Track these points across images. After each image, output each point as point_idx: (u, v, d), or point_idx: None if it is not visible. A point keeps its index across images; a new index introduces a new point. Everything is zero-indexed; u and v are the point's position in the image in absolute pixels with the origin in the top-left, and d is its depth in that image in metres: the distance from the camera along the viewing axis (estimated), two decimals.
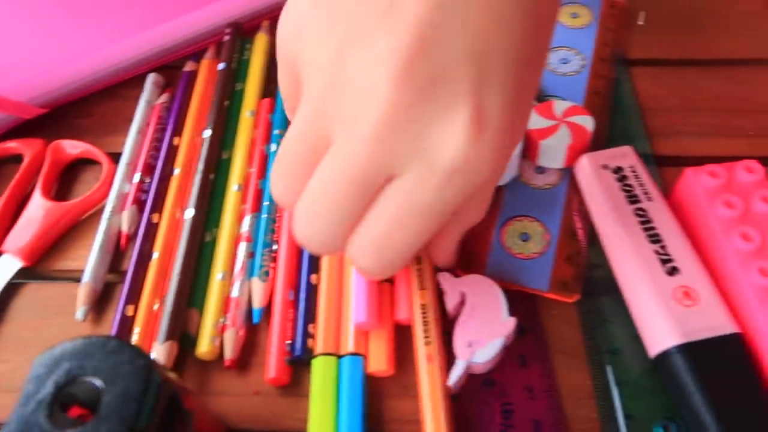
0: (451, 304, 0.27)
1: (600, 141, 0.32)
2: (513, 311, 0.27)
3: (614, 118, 0.34)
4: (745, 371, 0.23)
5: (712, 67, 0.35)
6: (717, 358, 0.23)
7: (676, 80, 0.35)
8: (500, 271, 0.28)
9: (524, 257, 0.29)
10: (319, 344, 0.26)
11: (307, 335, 0.26)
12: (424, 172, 0.19)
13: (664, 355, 0.24)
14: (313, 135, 0.20)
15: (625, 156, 0.29)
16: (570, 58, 0.36)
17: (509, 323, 0.25)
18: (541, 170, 0.31)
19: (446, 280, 0.27)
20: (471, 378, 0.26)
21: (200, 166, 0.31)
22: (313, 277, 0.28)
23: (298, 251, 0.29)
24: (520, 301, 0.28)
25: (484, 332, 0.25)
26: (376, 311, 0.26)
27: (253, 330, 0.28)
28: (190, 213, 0.29)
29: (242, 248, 0.29)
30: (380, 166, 0.19)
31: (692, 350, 0.24)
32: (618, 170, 0.29)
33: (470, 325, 0.26)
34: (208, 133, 0.32)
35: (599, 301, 0.28)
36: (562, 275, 0.28)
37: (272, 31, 0.38)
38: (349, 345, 0.26)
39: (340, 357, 0.26)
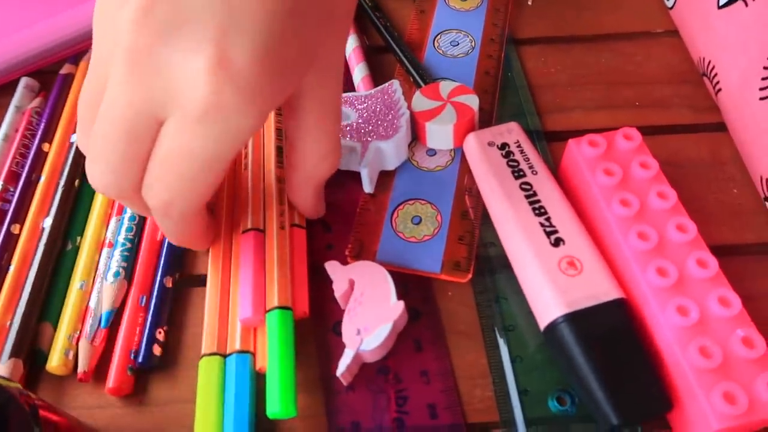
0: (339, 291, 0.26)
1: (491, 120, 0.32)
2: (407, 296, 0.27)
3: (505, 97, 0.34)
4: (630, 335, 0.23)
5: (598, 43, 0.36)
6: (602, 324, 0.23)
7: (563, 57, 0.35)
8: (392, 256, 0.28)
9: (416, 240, 0.28)
10: (205, 344, 0.25)
11: (153, 342, 0.25)
12: (180, 117, 0.19)
13: (552, 326, 0.24)
14: (95, 80, 0.21)
15: (510, 132, 0.29)
16: (460, 40, 0.35)
17: (397, 308, 0.25)
18: (432, 153, 0.31)
19: (334, 267, 0.26)
20: (366, 366, 0.25)
21: (66, 172, 0.29)
22: (168, 279, 0.27)
23: (156, 253, 0.28)
24: (415, 285, 0.27)
25: (372, 319, 0.25)
26: (263, 306, 0.25)
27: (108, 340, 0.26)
28: (48, 222, 0.27)
29: (104, 254, 0.27)
30: (141, 109, 0.20)
31: (578, 319, 0.23)
32: (504, 146, 0.29)
33: (358, 312, 0.25)
34: (75, 138, 0.30)
35: (493, 278, 0.27)
36: (455, 256, 0.28)
37: None
38: (236, 343, 0.25)
39: (226, 356, 0.25)
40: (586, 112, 0.33)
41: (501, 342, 0.26)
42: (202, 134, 0.19)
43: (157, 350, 0.26)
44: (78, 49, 0.35)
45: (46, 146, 0.31)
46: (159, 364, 0.26)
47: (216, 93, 0.19)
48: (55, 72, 0.35)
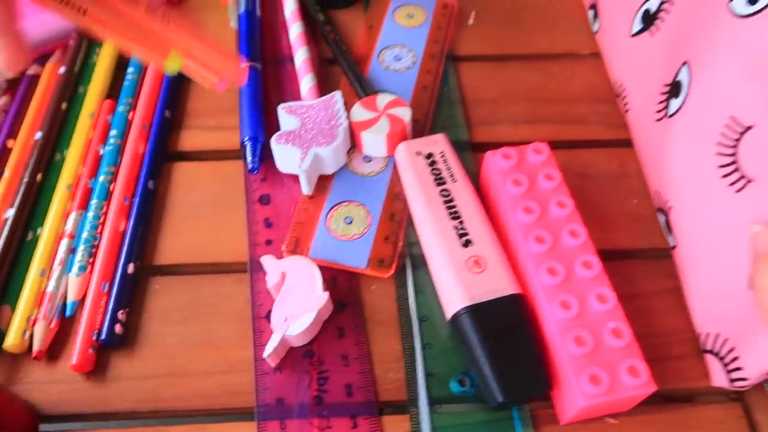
0: (271, 282, 0.29)
1: (424, 130, 0.35)
2: (335, 288, 0.30)
3: (439, 109, 0.37)
4: (521, 326, 0.27)
5: (529, 62, 0.39)
6: (498, 316, 0.27)
7: (497, 74, 0.39)
8: (324, 253, 0.31)
9: (347, 239, 0.31)
10: None
11: (115, 322, 0.28)
12: None
13: (456, 317, 0.27)
14: None
15: (437, 143, 0.32)
16: (403, 55, 0.38)
17: (321, 298, 0.28)
18: (368, 159, 0.34)
19: (268, 260, 0.29)
20: (293, 350, 0.28)
21: (30, 167, 0.31)
22: (131, 266, 0.30)
23: (118, 245, 0.30)
24: (343, 279, 0.31)
25: (299, 307, 0.28)
26: None
27: (70, 322, 0.29)
28: (11, 213, 0.30)
29: (63, 244, 0.30)
30: None
31: (477, 311, 0.27)
32: (430, 156, 0.32)
33: (287, 301, 0.28)
34: (39, 135, 0.33)
35: (413, 274, 0.31)
36: (380, 254, 0.31)
37: None
38: None
39: None
40: (511, 126, 0.36)
41: (415, 330, 0.29)
42: None
43: (118, 329, 0.28)
44: (44, 52, 0.38)
45: (10, 143, 0.33)
46: (120, 343, 0.29)
47: None
48: (22, 72, 0.37)
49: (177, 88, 0.37)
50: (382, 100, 0.34)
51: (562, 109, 0.37)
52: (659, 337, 0.29)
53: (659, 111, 0.32)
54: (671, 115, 0.31)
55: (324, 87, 0.37)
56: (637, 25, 0.35)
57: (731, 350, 0.27)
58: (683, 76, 0.30)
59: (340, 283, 0.30)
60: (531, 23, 0.41)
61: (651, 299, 0.30)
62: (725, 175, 0.27)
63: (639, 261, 0.32)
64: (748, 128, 0.26)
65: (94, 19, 0.25)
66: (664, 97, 0.32)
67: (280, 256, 0.30)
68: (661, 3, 0.33)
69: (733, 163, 0.27)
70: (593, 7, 0.40)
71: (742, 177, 0.26)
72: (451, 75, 0.38)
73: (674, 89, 0.31)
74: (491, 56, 0.40)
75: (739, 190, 0.26)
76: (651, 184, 0.33)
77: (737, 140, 0.26)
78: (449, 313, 0.27)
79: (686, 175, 0.30)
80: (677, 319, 0.30)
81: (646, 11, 0.34)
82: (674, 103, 0.31)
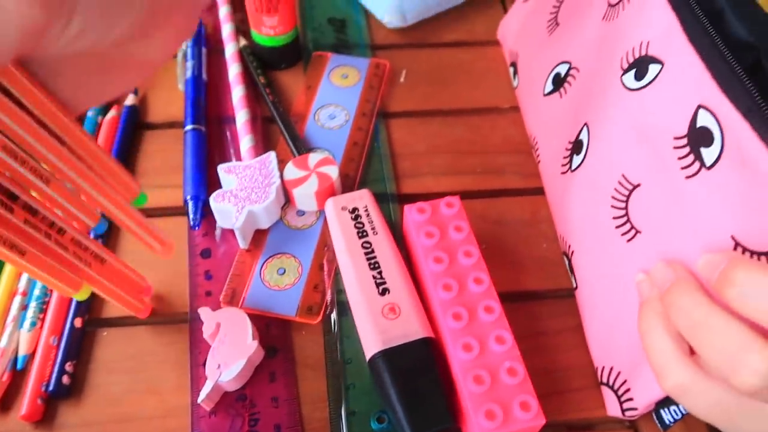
0: (207, 332, 0.31)
1: (354, 184, 0.39)
2: (268, 334, 0.33)
3: (370, 164, 0.40)
4: (430, 367, 0.30)
5: (454, 116, 0.43)
6: (409, 358, 0.30)
7: (424, 128, 0.42)
8: (258, 302, 0.34)
9: (279, 288, 0.34)
10: None
11: (63, 373, 0.31)
12: None
13: (372, 360, 0.30)
14: None
15: (362, 198, 0.36)
16: (337, 114, 0.42)
17: (251, 346, 0.31)
18: (301, 213, 0.37)
19: (205, 312, 0.32)
20: (227, 394, 0.31)
21: None
22: (78, 320, 0.32)
23: (68, 301, 0.33)
24: (276, 326, 0.33)
25: (231, 355, 0.30)
26: None
27: (21, 375, 0.31)
28: None
29: (16, 302, 0.32)
30: None
31: (391, 354, 0.30)
32: (354, 210, 0.35)
33: (220, 350, 0.31)
34: None
35: (340, 320, 0.34)
36: (309, 301, 0.34)
37: None
38: None
39: None
40: (435, 178, 0.40)
41: (339, 372, 0.32)
42: None
43: (66, 380, 0.31)
44: None
45: None
46: (67, 393, 0.31)
47: None
48: None
49: (127, 148, 0.40)
50: (313, 159, 0.37)
51: (483, 160, 0.41)
52: (562, 372, 0.33)
53: (564, 165, 0.36)
54: (574, 170, 0.34)
55: (266, 144, 0.41)
56: (549, 86, 0.39)
57: (623, 383, 0.30)
58: (584, 136, 0.34)
59: (273, 330, 0.33)
60: (457, 79, 0.45)
61: (556, 337, 0.34)
62: (618, 226, 0.30)
63: (547, 301, 0.35)
64: (636, 186, 0.29)
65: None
66: (569, 152, 0.36)
67: (218, 307, 0.33)
68: (569, 69, 0.37)
69: (624, 215, 0.30)
70: (513, 65, 0.44)
71: (632, 228, 0.29)
72: (382, 131, 0.42)
73: (576, 147, 0.35)
74: (419, 112, 0.43)
75: (629, 240, 0.29)
76: (558, 230, 0.36)
77: (627, 196, 0.30)
78: (367, 356, 0.30)
79: (585, 224, 0.33)
80: (578, 355, 0.33)
81: (557, 74, 0.38)
82: (576, 159, 0.34)
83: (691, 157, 0.26)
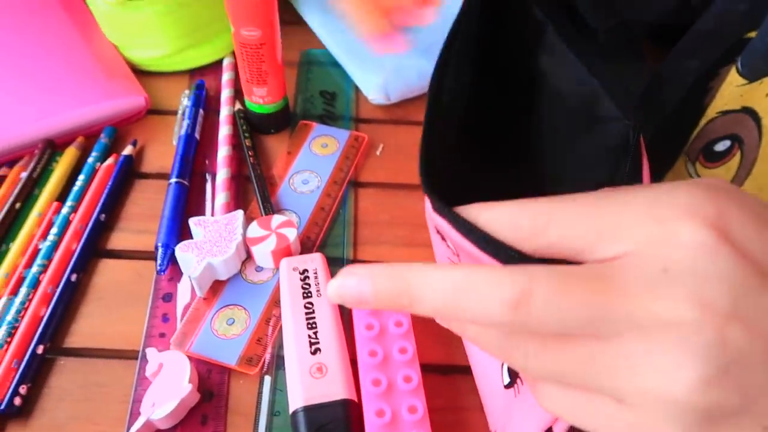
0: (149, 371, 0.34)
1: (314, 246, 0.42)
2: (209, 379, 0.35)
3: (332, 228, 0.43)
4: (347, 429, 0.31)
5: (416, 191, 0.46)
6: (327, 417, 0.32)
7: (390, 200, 0.45)
8: (203, 348, 0.36)
9: (225, 337, 0.37)
10: None
11: (16, 395, 0.34)
12: None
13: (294, 414, 0.32)
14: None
15: (313, 261, 0.38)
16: (310, 179, 0.45)
17: (186, 389, 0.33)
18: (260, 269, 0.40)
19: (151, 352, 0.35)
20: None
21: None
22: (41, 347, 0.36)
23: (34, 328, 0.36)
24: (216, 372, 0.36)
25: (166, 395, 0.33)
26: None
27: None
28: None
29: None
30: None
31: (311, 411, 0.32)
32: (304, 272, 0.38)
33: (158, 389, 0.33)
34: None
35: (277, 373, 0.36)
36: (251, 352, 0.36)
37: (83, 146, 0.47)
38: None
39: None
40: (392, 248, 0.43)
41: (262, 423, 0.34)
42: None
43: (18, 401, 0.34)
44: (13, 157, 0.45)
45: None
46: (17, 414, 0.34)
47: None
48: None
49: (117, 194, 0.44)
50: (276, 220, 0.40)
51: None
52: None
53: None
54: None
55: (242, 201, 0.44)
56: None
57: None
58: None
59: (213, 376, 0.36)
60: None
61: (476, 412, 0.35)
62: None
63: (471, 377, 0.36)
64: None
65: None
66: None
67: (167, 348, 0.36)
68: None
69: None
70: None
71: None
72: (350, 198, 0.45)
73: None
74: (388, 184, 0.46)
75: None
76: None
77: None
78: (291, 410, 0.32)
79: None
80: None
81: None
82: None
83: None
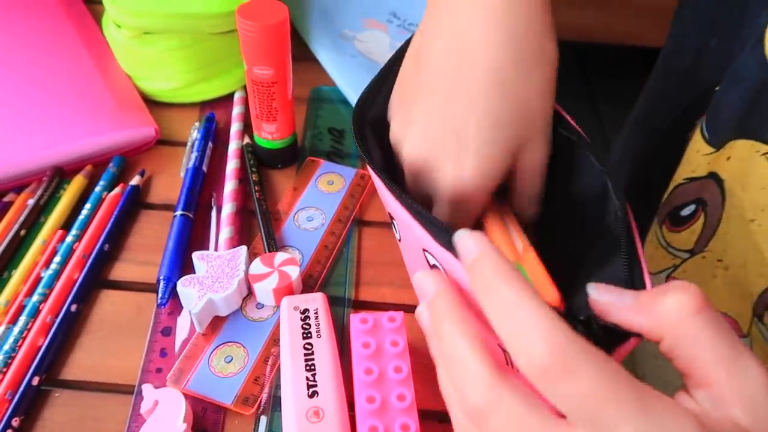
0: (144, 408, 0.34)
1: (316, 285, 0.42)
2: (204, 417, 0.35)
3: (335, 267, 0.43)
4: None
5: None
6: None
7: (393, 239, 0.45)
8: (199, 386, 0.36)
9: (223, 375, 0.36)
10: None
11: (8, 427, 0.33)
12: (438, 198, 0.34)
13: None
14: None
15: (315, 300, 0.38)
16: (315, 216, 0.45)
17: (180, 428, 0.33)
18: (260, 306, 0.40)
19: (147, 388, 0.34)
20: None
21: None
22: (36, 379, 0.35)
23: (31, 359, 0.36)
24: (212, 410, 0.35)
25: None
26: None
27: None
28: None
29: None
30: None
31: None
32: (305, 311, 0.38)
33: (152, 427, 0.33)
34: None
35: (273, 414, 0.35)
36: (247, 392, 0.36)
37: (91, 175, 0.48)
38: None
39: None
40: (394, 289, 0.42)
41: None
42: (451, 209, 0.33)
43: None
44: (22, 183, 0.46)
45: None
46: None
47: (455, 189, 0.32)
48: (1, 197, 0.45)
49: (122, 224, 0.44)
50: (279, 257, 0.40)
51: None
52: None
53: None
54: None
55: (246, 235, 0.44)
56: None
57: None
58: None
59: (209, 414, 0.35)
60: None
61: None
62: None
63: None
64: None
65: None
66: None
67: (164, 384, 0.36)
68: None
69: None
70: None
71: None
72: (354, 237, 0.45)
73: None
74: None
75: None
76: None
77: None
78: None
79: None
80: None
81: None
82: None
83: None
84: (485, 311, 0.23)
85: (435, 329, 0.26)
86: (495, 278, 0.23)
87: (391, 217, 0.36)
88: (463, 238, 0.26)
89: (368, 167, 0.34)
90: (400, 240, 0.38)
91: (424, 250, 0.31)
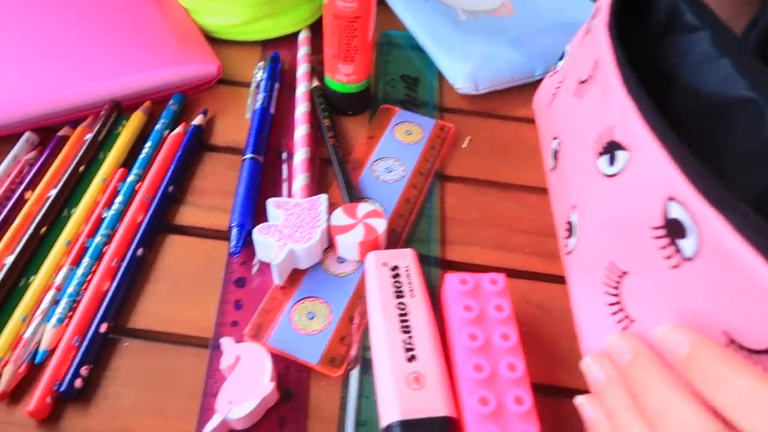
0: (225, 364, 0.31)
1: (399, 241, 0.38)
2: (286, 377, 0.32)
3: (418, 223, 0.40)
4: None
5: (511, 191, 0.42)
6: None
7: (478, 198, 0.42)
8: (282, 343, 0.33)
9: (306, 332, 0.33)
10: None
11: (77, 376, 0.30)
12: None
13: (388, 428, 0.28)
14: None
15: (404, 257, 0.35)
16: (394, 168, 0.42)
17: (267, 387, 0.30)
18: (342, 260, 0.37)
19: (227, 343, 0.31)
20: None
21: (37, 219, 0.35)
22: (104, 325, 0.32)
23: (97, 304, 0.33)
24: (295, 370, 0.32)
25: (244, 393, 0.29)
26: None
27: (38, 369, 0.31)
28: (10, 259, 0.33)
29: (49, 295, 0.33)
30: None
31: (408, 426, 0.28)
32: (395, 268, 0.34)
33: (235, 385, 0.30)
34: (53, 192, 0.36)
35: (362, 378, 0.32)
36: (333, 352, 0.33)
37: (150, 111, 0.44)
38: None
39: None
40: (483, 250, 0.39)
41: None
42: None
43: (79, 383, 0.31)
44: (79, 116, 0.42)
45: (28, 194, 0.37)
46: (77, 397, 0.31)
47: None
48: (55, 131, 0.41)
49: (186, 165, 0.41)
50: (363, 209, 0.37)
51: (534, 240, 0.40)
52: None
53: (565, 246, 0.35)
54: (569, 253, 0.34)
55: (319, 185, 0.41)
56: (551, 162, 0.39)
57: None
58: (574, 218, 0.33)
59: (291, 374, 0.32)
60: (519, 155, 0.45)
61: None
62: (613, 314, 0.29)
63: (566, 400, 0.33)
64: (625, 273, 0.28)
65: None
66: (567, 233, 0.35)
67: (241, 339, 0.33)
68: (558, 144, 0.37)
69: (617, 303, 0.29)
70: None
71: (627, 317, 0.28)
72: (436, 192, 0.41)
73: (570, 228, 0.34)
74: (476, 180, 0.43)
75: (624, 328, 0.28)
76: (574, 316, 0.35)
77: (618, 283, 0.29)
78: (383, 423, 0.29)
79: (584, 310, 0.32)
80: None
81: (554, 150, 0.39)
82: (571, 242, 0.34)
83: (672, 248, 0.25)
84: (718, 402, 0.22)
85: (641, 389, 0.25)
86: (722, 367, 0.22)
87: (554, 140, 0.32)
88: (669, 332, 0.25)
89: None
90: (554, 168, 0.35)
91: (669, 198, 0.25)
